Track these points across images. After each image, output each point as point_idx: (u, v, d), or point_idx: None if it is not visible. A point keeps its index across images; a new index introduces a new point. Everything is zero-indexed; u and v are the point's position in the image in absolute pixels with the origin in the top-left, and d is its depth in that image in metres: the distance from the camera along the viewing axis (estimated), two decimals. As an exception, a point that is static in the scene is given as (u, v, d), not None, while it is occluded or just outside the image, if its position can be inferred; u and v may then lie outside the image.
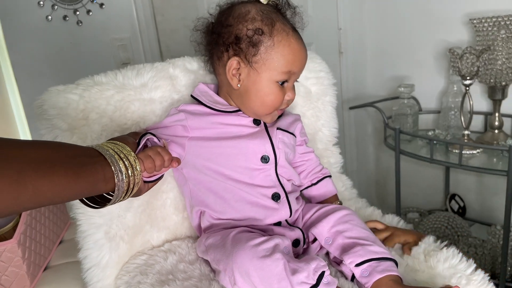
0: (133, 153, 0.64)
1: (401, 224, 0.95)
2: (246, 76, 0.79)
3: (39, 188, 0.49)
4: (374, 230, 0.87)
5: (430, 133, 1.63)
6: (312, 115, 1.05)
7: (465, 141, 1.47)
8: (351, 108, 1.94)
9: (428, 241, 0.83)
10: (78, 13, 1.40)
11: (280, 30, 0.77)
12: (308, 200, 0.93)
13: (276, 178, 0.82)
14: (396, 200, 1.68)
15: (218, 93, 0.86)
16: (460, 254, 0.78)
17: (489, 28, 1.43)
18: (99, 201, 0.64)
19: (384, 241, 0.85)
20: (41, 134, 0.78)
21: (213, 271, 0.77)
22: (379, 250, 0.73)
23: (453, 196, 1.80)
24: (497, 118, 1.49)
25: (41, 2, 1.34)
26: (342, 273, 0.77)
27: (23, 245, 0.93)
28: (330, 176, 0.96)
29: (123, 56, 1.51)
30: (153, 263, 0.82)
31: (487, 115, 1.59)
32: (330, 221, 0.78)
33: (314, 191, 0.94)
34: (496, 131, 1.50)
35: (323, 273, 0.64)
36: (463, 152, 1.42)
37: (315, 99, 1.06)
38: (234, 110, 0.83)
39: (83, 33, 1.43)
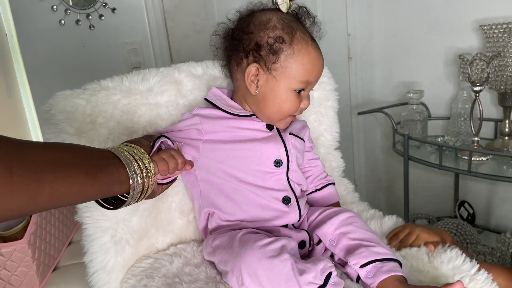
0: (147, 156, 0.65)
1: (400, 223, 0.96)
2: (264, 83, 0.80)
3: (56, 189, 0.50)
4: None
5: (439, 139, 1.62)
6: (315, 120, 1.06)
7: (475, 147, 1.46)
8: (359, 113, 1.93)
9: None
10: (90, 17, 1.42)
11: (300, 39, 0.79)
12: (311, 205, 0.94)
13: (287, 182, 0.83)
14: (404, 206, 1.67)
15: (232, 98, 0.88)
16: (464, 255, 0.79)
17: (500, 35, 1.42)
18: (114, 202, 0.65)
19: (403, 242, 0.86)
20: (48, 138, 0.79)
21: (219, 273, 0.78)
22: (383, 251, 0.74)
23: (462, 203, 1.79)
24: (507, 125, 1.48)
25: (55, 7, 1.36)
26: (347, 274, 0.77)
27: (33, 245, 0.94)
28: (334, 184, 0.98)
29: (134, 60, 1.53)
30: (158, 266, 0.82)
31: (497, 122, 1.58)
32: (334, 223, 0.79)
33: (317, 196, 0.95)
34: (506, 138, 1.48)
35: (330, 273, 0.65)
36: (472, 158, 1.41)
37: (318, 104, 1.08)
38: (248, 115, 0.84)
39: (95, 37, 1.45)
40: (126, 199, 0.63)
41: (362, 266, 0.72)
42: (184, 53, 1.61)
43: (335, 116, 1.11)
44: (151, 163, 0.65)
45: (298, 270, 0.64)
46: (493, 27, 1.43)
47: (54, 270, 1.04)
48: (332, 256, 0.81)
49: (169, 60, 1.59)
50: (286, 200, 0.82)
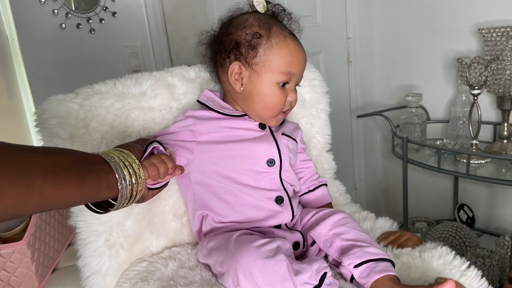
0: (137, 161, 0.66)
1: (395, 226, 0.97)
2: (248, 79, 0.82)
3: (45, 193, 0.51)
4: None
5: (438, 142, 1.63)
6: (307, 122, 1.07)
7: (473, 150, 1.47)
8: (359, 116, 1.94)
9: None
10: (91, 21, 1.43)
11: (277, 33, 0.81)
12: (303, 206, 0.94)
13: (280, 182, 0.84)
14: (403, 209, 1.67)
15: (223, 100, 0.89)
16: (453, 251, 0.82)
17: (498, 38, 1.43)
18: (103, 206, 0.66)
19: (393, 242, 0.88)
20: (41, 142, 0.79)
21: (214, 276, 0.78)
22: (376, 251, 0.75)
23: (461, 206, 1.79)
24: (505, 128, 1.49)
25: (56, 11, 1.37)
26: (341, 275, 0.78)
27: (33, 246, 0.95)
28: (326, 185, 0.99)
29: (134, 63, 1.54)
30: (153, 269, 0.82)
31: (496, 125, 1.59)
32: (327, 224, 0.80)
33: (310, 198, 0.96)
34: (505, 141, 1.49)
35: (325, 274, 0.65)
36: (471, 161, 1.41)
37: (309, 107, 1.09)
38: (240, 115, 0.86)
39: (95, 40, 1.46)
40: (115, 203, 0.63)
41: (356, 266, 0.73)
42: (184, 56, 1.62)
43: (327, 119, 1.12)
44: (141, 169, 0.66)
45: (293, 270, 0.64)
46: (491, 30, 1.44)
47: (53, 271, 1.05)
48: (326, 257, 0.82)
49: (169, 63, 1.60)
50: (279, 200, 0.82)
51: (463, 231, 1.61)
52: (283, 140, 0.86)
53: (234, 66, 0.82)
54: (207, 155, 0.82)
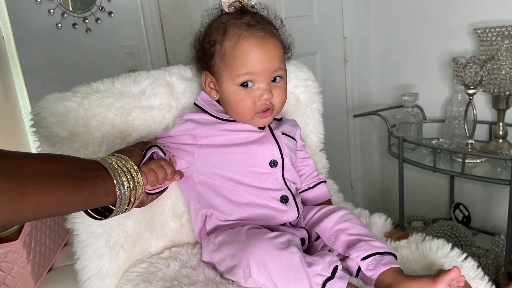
0: (135, 167, 0.66)
1: (388, 222, 0.99)
2: (218, 87, 0.83)
3: (40, 201, 0.50)
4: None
5: (434, 141, 1.63)
6: (301, 122, 1.07)
7: (469, 150, 1.47)
8: (355, 116, 1.95)
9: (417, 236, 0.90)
10: (87, 21, 1.43)
11: (232, 35, 0.79)
12: (303, 203, 0.95)
13: (283, 181, 0.84)
14: (399, 208, 1.68)
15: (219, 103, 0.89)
16: (450, 244, 0.84)
17: (493, 38, 1.43)
18: (102, 211, 0.65)
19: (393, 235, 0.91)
20: (38, 142, 0.77)
21: (219, 274, 0.78)
22: (381, 245, 0.77)
23: (457, 205, 1.80)
24: (501, 128, 1.49)
25: (52, 10, 1.37)
26: (346, 269, 0.79)
27: (28, 246, 0.95)
28: (325, 182, 0.99)
29: (130, 63, 1.54)
30: (154, 270, 0.81)
31: (492, 125, 1.59)
32: (331, 220, 0.81)
33: (310, 195, 0.96)
34: (501, 140, 1.50)
35: (336, 267, 0.67)
36: (466, 161, 1.42)
37: (304, 106, 1.10)
38: (234, 119, 0.85)
39: (91, 40, 1.46)
40: (114, 209, 0.63)
41: (363, 259, 0.74)
42: (180, 56, 1.62)
43: (320, 118, 1.13)
44: (139, 175, 0.65)
45: (306, 262, 0.66)
46: (487, 30, 1.44)
47: (49, 271, 1.04)
48: (329, 252, 0.82)
49: (166, 63, 1.60)
50: (283, 199, 0.83)
51: (459, 230, 1.62)
52: (283, 140, 0.86)
53: (203, 77, 0.85)
54: (209, 159, 0.82)
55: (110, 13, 1.46)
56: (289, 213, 0.83)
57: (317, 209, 0.86)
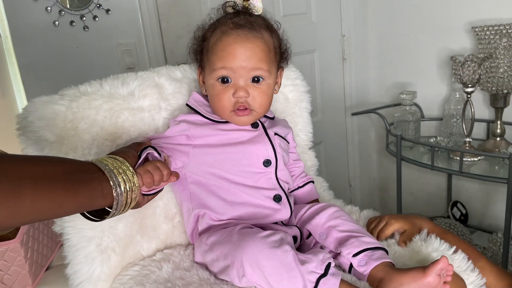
0: (131, 168, 0.66)
1: (375, 215, 1.00)
2: (206, 81, 0.85)
3: (36, 204, 0.50)
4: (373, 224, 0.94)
5: (432, 140, 1.64)
6: (290, 121, 1.08)
7: (467, 148, 1.48)
8: (353, 114, 1.95)
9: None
10: (84, 18, 1.43)
11: (218, 32, 0.82)
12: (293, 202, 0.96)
13: (276, 180, 0.85)
14: (397, 206, 1.68)
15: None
16: (439, 238, 0.85)
17: (491, 36, 1.43)
18: (99, 213, 0.65)
19: (379, 233, 0.90)
20: (25, 146, 0.76)
21: (213, 275, 0.78)
22: (371, 240, 0.78)
23: (455, 203, 1.80)
24: (499, 126, 1.50)
25: (49, 8, 1.36)
26: (339, 266, 0.79)
27: (26, 245, 0.95)
28: (313, 182, 1.01)
29: (128, 61, 1.53)
30: (147, 273, 0.80)
31: (489, 123, 1.60)
32: (322, 217, 0.82)
33: (299, 193, 0.98)
34: (498, 138, 1.50)
35: (329, 264, 0.67)
36: (464, 159, 1.42)
37: (293, 105, 1.10)
38: (225, 121, 0.86)
39: (89, 38, 1.45)
40: (111, 211, 0.63)
41: (354, 255, 0.75)
42: (178, 54, 1.61)
43: (309, 117, 1.14)
44: (135, 176, 0.65)
45: (299, 260, 0.66)
46: (485, 29, 1.44)
47: (47, 269, 1.04)
48: (321, 249, 0.83)
49: (164, 61, 1.60)
50: (277, 198, 0.84)
51: (456, 228, 1.63)
52: (276, 140, 0.87)
53: (198, 72, 0.88)
54: (203, 158, 0.82)
55: (107, 10, 1.46)
56: (282, 212, 0.83)
57: (308, 206, 0.87)
